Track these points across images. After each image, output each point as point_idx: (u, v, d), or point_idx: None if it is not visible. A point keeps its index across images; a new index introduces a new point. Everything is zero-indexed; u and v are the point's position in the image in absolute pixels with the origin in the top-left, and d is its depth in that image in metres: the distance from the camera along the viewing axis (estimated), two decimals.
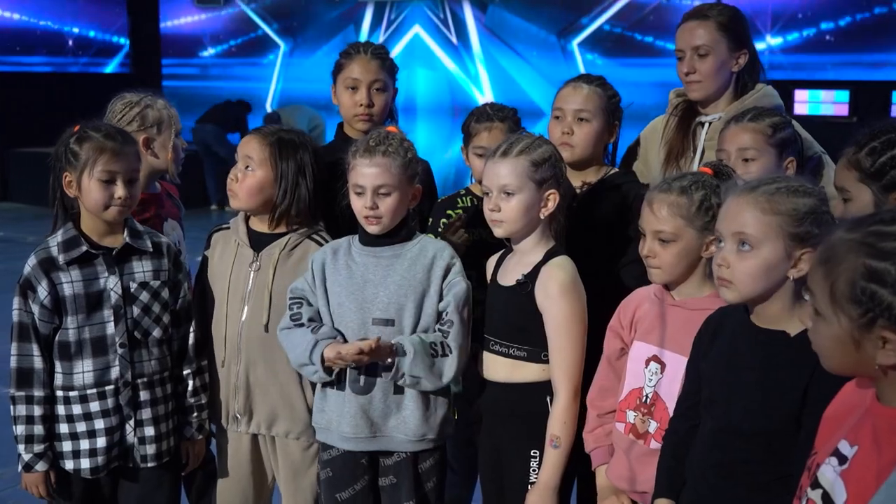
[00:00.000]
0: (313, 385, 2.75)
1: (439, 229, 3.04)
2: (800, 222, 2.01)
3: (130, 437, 2.72)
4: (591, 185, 2.98)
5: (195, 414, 2.84)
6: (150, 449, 2.73)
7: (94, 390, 2.67)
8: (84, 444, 2.68)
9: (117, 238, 2.71)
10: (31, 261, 2.66)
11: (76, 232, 2.68)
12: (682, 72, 3.04)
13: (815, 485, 1.62)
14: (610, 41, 11.92)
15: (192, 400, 2.84)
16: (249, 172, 2.82)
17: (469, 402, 2.88)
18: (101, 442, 2.68)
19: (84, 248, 2.65)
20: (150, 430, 2.73)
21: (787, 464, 1.95)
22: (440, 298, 2.63)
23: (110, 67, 14.58)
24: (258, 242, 2.86)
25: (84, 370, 2.66)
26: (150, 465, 2.75)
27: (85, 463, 2.68)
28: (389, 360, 2.55)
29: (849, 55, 10.04)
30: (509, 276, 2.66)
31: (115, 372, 2.68)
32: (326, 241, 2.82)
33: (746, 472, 2.05)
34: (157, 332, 2.74)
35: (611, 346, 2.57)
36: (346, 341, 2.61)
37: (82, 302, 2.64)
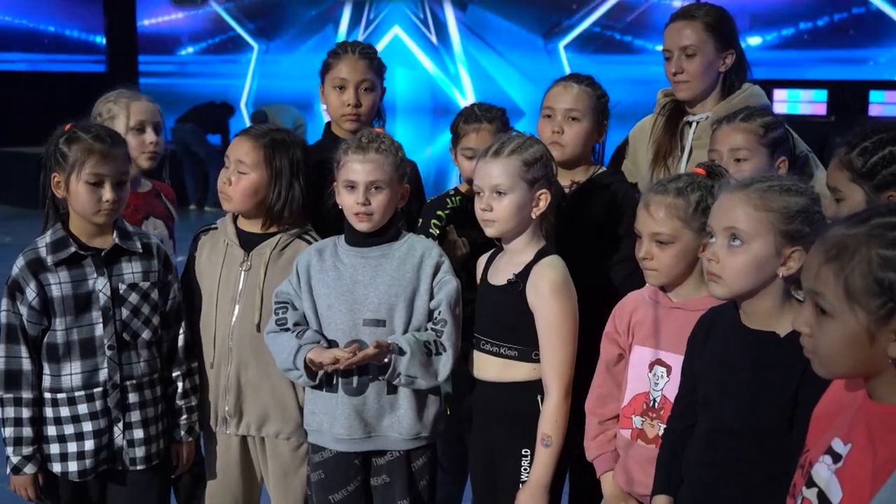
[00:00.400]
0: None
1: (430, 230, 3.03)
2: (791, 220, 2.02)
3: (119, 439, 2.70)
4: (580, 185, 2.98)
5: (185, 416, 2.82)
6: (140, 452, 2.71)
7: (83, 392, 2.65)
8: (72, 447, 2.65)
9: (106, 239, 2.68)
10: (20, 262, 2.63)
11: (65, 233, 2.66)
12: (669, 72, 3.05)
13: (811, 483, 1.62)
14: (590, 39, 11.95)
15: (181, 402, 2.81)
16: (243, 175, 2.80)
17: (459, 401, 2.88)
18: (88, 445, 2.66)
19: (73, 249, 2.63)
20: (139, 433, 2.71)
21: (780, 463, 1.96)
22: (431, 297, 2.63)
23: (87, 66, 14.47)
24: (248, 242, 2.84)
25: (72, 372, 2.64)
26: (139, 467, 2.73)
27: (73, 466, 2.66)
28: (385, 360, 2.54)
29: (827, 54, 10.12)
30: (500, 275, 2.66)
31: (103, 374, 2.66)
32: (315, 240, 2.81)
33: (740, 471, 2.06)
34: (146, 334, 2.72)
35: (608, 352, 2.56)
36: (329, 345, 2.60)
37: (71, 303, 2.62)
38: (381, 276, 2.62)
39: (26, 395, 2.62)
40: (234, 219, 2.89)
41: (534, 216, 2.60)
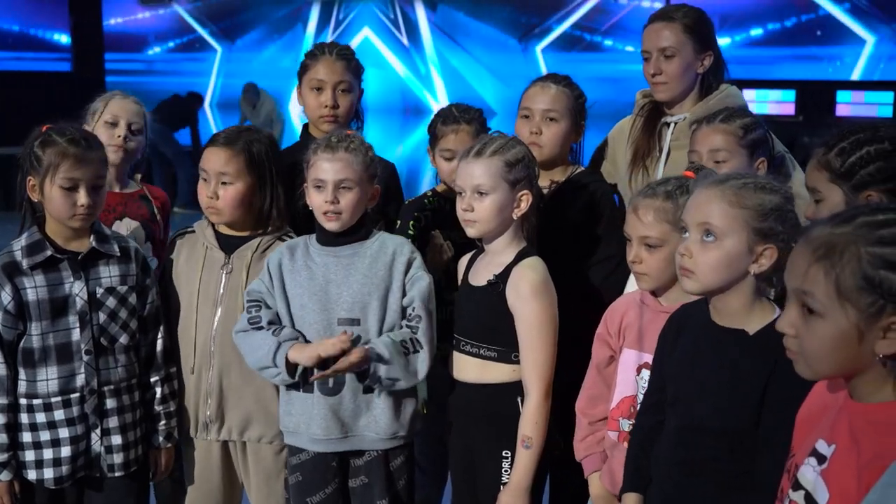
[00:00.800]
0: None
1: (408, 231, 3.03)
2: (764, 217, 2.04)
3: (97, 446, 2.66)
4: (558, 185, 2.99)
5: (163, 422, 2.79)
6: (118, 458, 2.68)
7: (59, 398, 2.61)
8: (47, 454, 2.62)
9: (83, 242, 2.65)
10: None
11: (41, 236, 2.62)
12: (648, 73, 3.06)
13: (797, 486, 1.62)
14: (560, 38, 12.00)
15: (160, 408, 2.78)
16: (228, 186, 2.77)
17: (438, 402, 2.87)
18: (65, 451, 2.62)
19: (49, 252, 2.59)
20: (117, 439, 2.68)
21: (750, 461, 1.98)
22: (404, 294, 2.62)
23: (52, 65, 14.31)
24: (228, 245, 2.82)
25: (48, 378, 2.60)
26: (117, 474, 2.69)
27: (48, 473, 2.62)
28: (365, 366, 2.53)
29: (794, 54, 10.22)
30: (480, 276, 2.66)
31: (80, 379, 2.62)
32: None
33: (711, 469, 2.07)
34: (124, 339, 2.69)
35: (599, 354, 2.57)
36: (308, 342, 2.60)
37: (46, 308, 2.58)
38: (354, 274, 2.62)
39: (1, 400, 2.58)
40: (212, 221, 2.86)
41: (515, 217, 2.60)
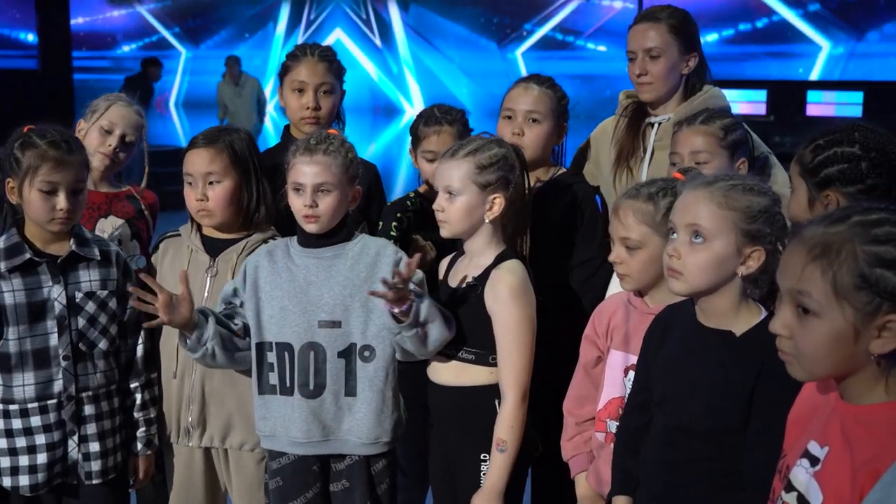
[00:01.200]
0: None
1: (390, 233, 3.00)
2: (753, 220, 2.04)
3: (74, 453, 2.62)
4: (539, 187, 2.98)
5: (143, 429, 2.75)
6: (96, 465, 2.64)
7: (36, 404, 2.57)
8: (23, 461, 2.57)
9: (63, 245, 2.60)
10: None
11: (19, 238, 2.57)
12: (633, 73, 3.05)
13: (790, 488, 1.62)
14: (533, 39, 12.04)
15: (139, 414, 2.74)
16: (217, 185, 2.74)
17: (419, 405, 2.84)
18: (41, 458, 2.58)
19: (27, 255, 2.55)
20: (95, 446, 2.64)
21: (738, 461, 1.99)
22: None
23: (19, 62, 14.17)
24: (213, 248, 2.79)
25: (25, 383, 2.56)
26: (94, 482, 2.65)
27: (24, 480, 2.57)
28: (405, 306, 2.46)
29: (765, 53, 10.33)
30: (460, 278, 2.64)
31: (58, 385, 2.58)
32: None
33: (699, 469, 2.07)
34: (103, 344, 2.65)
35: (587, 354, 2.57)
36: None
37: (24, 312, 2.54)
38: (335, 276, 2.59)
39: None
40: (198, 224, 2.83)
41: (487, 219, 2.58)
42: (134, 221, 3.13)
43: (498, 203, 2.57)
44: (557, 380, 2.68)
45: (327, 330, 2.57)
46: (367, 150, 12.26)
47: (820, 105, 9.19)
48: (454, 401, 2.64)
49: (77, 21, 14.66)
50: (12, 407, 2.56)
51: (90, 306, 2.62)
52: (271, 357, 2.62)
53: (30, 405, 2.56)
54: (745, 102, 9.41)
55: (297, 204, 2.59)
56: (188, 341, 2.56)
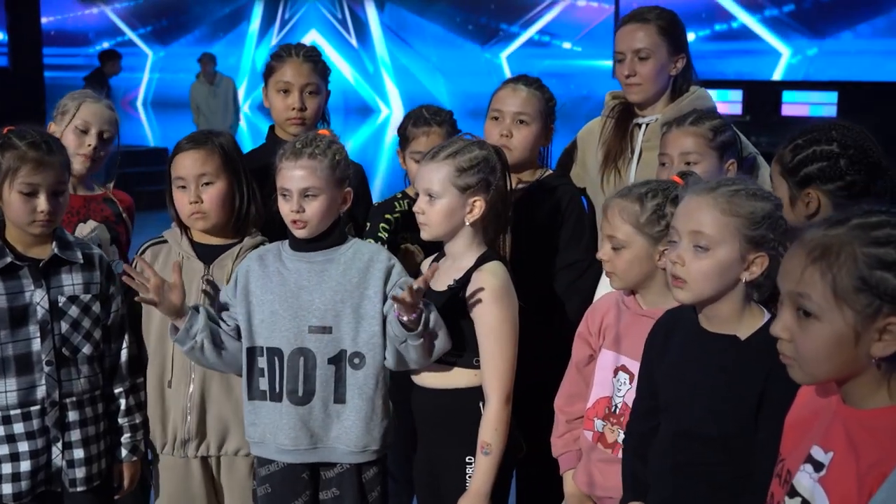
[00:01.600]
0: None
1: (378, 234, 2.98)
2: (756, 226, 2.03)
3: (58, 460, 2.58)
4: (525, 189, 2.97)
5: (128, 435, 2.71)
6: (80, 472, 2.60)
7: (19, 411, 2.52)
8: (6, 468, 2.52)
9: (45, 249, 2.56)
10: None
11: (0, 242, 2.53)
12: (622, 74, 3.03)
13: (793, 493, 1.61)
14: (507, 37, 12.05)
15: (124, 420, 2.70)
16: (210, 186, 2.71)
17: (405, 409, 2.82)
18: (24, 466, 2.53)
19: (8, 259, 2.51)
20: (79, 453, 2.59)
21: (746, 464, 1.98)
22: (383, 300, 2.56)
23: None
24: (206, 255, 2.75)
25: (7, 389, 2.51)
26: (79, 489, 2.61)
27: (7, 488, 2.52)
28: (414, 314, 2.43)
29: (741, 52, 10.41)
30: (441, 280, 2.62)
31: (41, 391, 2.54)
32: None
33: (706, 473, 2.07)
34: (87, 349, 2.60)
35: (579, 352, 2.57)
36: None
37: (5, 316, 2.49)
38: (327, 281, 2.56)
39: None
40: (186, 231, 2.79)
41: (467, 222, 2.57)
42: (113, 226, 3.08)
43: (478, 206, 2.56)
44: (541, 381, 2.68)
45: (317, 336, 2.54)
46: None
47: (795, 105, 9.27)
48: (438, 403, 2.62)
49: (49, 19, 14.50)
50: None
51: (73, 310, 2.58)
52: (262, 362, 2.59)
53: (12, 412, 2.52)
54: (722, 102, 9.44)
55: (285, 209, 2.56)
56: (178, 332, 2.55)
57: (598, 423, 2.46)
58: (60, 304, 2.56)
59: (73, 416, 2.58)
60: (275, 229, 2.79)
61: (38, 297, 2.53)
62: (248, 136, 11.72)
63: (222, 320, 2.63)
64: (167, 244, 2.80)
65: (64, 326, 2.56)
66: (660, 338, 2.22)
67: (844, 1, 10.21)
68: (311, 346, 2.54)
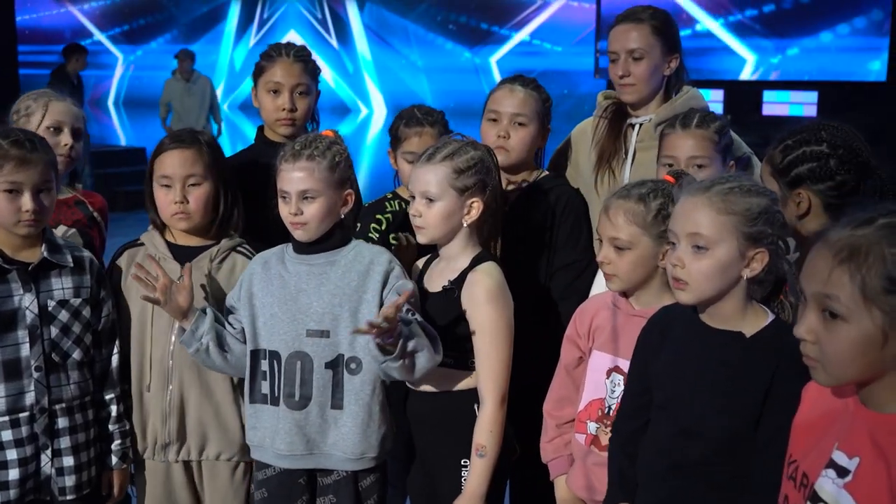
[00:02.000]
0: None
1: (369, 234, 2.95)
2: (753, 222, 2.03)
3: (47, 467, 2.54)
4: (522, 189, 2.95)
5: (118, 442, 2.67)
6: (69, 480, 2.56)
7: (7, 418, 2.48)
8: None
9: (34, 252, 2.52)
10: None
11: None
12: (615, 74, 3.02)
13: (815, 499, 1.59)
14: (489, 37, 12.06)
15: (115, 426, 2.67)
16: (197, 187, 2.69)
17: (400, 413, 2.79)
18: (13, 474, 2.49)
19: None
20: (68, 460, 2.56)
21: (745, 464, 1.98)
22: (381, 304, 2.53)
23: None
24: (183, 256, 2.72)
25: None
26: (68, 497, 2.57)
27: None
28: (390, 338, 2.38)
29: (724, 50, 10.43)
30: (436, 282, 2.61)
31: (30, 397, 2.50)
32: (252, 253, 2.72)
33: (707, 472, 2.06)
34: (77, 354, 2.57)
35: (568, 355, 2.55)
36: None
37: None
38: (326, 284, 2.54)
39: None
40: (162, 232, 2.77)
41: (465, 224, 2.55)
42: (86, 230, 2.99)
43: (476, 207, 2.54)
44: (537, 383, 2.66)
45: (315, 339, 2.52)
46: None
47: (776, 104, 9.33)
48: (433, 406, 2.60)
49: (24, 17, 14.38)
50: None
51: (63, 315, 2.54)
52: (265, 365, 2.57)
53: (0, 419, 2.47)
54: None
55: (284, 212, 2.55)
56: (184, 334, 2.53)
57: (592, 426, 2.44)
58: (50, 309, 2.52)
59: (62, 422, 2.54)
60: (276, 233, 2.76)
61: (27, 302, 2.48)
62: (227, 137, 11.63)
63: (229, 323, 2.61)
64: (143, 246, 2.77)
65: (53, 331, 2.52)
66: (655, 335, 2.21)
67: (800, 10, 10.26)
68: (309, 350, 2.52)
